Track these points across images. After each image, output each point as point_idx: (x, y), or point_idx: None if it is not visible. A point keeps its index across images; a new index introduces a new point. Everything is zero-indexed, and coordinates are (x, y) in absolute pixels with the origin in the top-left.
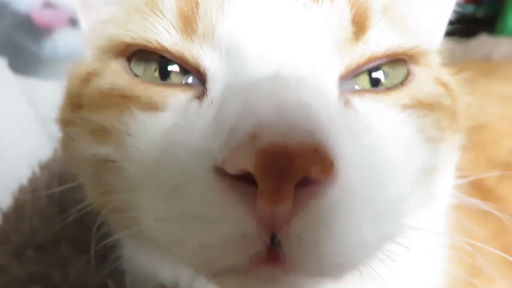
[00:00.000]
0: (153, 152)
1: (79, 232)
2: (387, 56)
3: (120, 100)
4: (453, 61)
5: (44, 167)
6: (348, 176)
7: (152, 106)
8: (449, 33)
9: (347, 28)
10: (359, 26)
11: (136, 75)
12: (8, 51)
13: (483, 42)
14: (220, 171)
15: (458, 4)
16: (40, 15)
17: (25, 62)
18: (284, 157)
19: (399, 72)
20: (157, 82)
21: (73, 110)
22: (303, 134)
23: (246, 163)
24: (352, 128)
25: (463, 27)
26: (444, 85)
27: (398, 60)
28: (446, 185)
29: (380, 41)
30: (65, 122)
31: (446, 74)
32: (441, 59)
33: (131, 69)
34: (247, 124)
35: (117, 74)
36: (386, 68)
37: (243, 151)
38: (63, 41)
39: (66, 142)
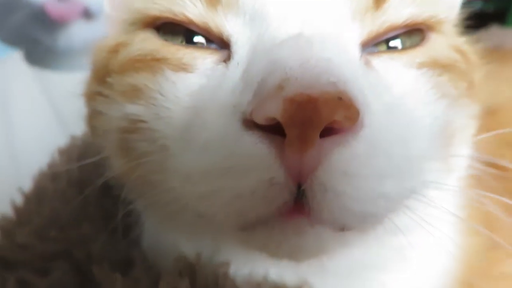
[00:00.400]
0: (182, 112)
1: (100, 212)
2: (406, 25)
3: (152, 63)
4: None
5: (63, 152)
6: (372, 130)
7: (182, 67)
8: (460, 30)
9: None
10: None
11: (165, 40)
12: (23, 43)
13: (494, 34)
14: (249, 123)
15: (466, 1)
16: (55, 8)
17: (39, 54)
18: (310, 105)
19: (415, 38)
20: (186, 45)
21: (100, 83)
22: (326, 84)
23: (274, 111)
24: (373, 86)
25: (472, 23)
26: (460, 51)
27: (416, 30)
28: (463, 153)
29: (399, 10)
30: (92, 95)
31: (463, 43)
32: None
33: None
34: (274, 77)
35: (147, 40)
36: (403, 38)
37: (271, 100)
38: (77, 34)
39: (93, 113)
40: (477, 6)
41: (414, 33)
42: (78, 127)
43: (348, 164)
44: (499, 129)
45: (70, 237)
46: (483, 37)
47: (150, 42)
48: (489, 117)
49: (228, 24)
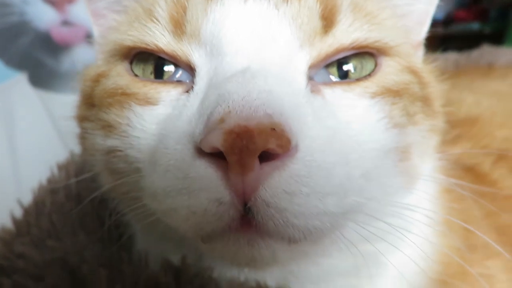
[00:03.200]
0: (150, 140)
1: (96, 223)
2: (353, 48)
3: (122, 98)
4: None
5: (61, 167)
6: (309, 152)
7: (148, 101)
8: (457, 48)
9: (316, 23)
10: (328, 20)
11: (136, 75)
12: (28, 66)
13: (485, 52)
14: (200, 151)
15: (464, 21)
16: (59, 32)
17: (43, 77)
18: (246, 135)
19: (366, 65)
20: (153, 80)
21: (87, 108)
22: (262, 116)
23: (216, 142)
24: (317, 112)
25: (470, 43)
26: (413, 72)
27: (366, 54)
28: (425, 165)
29: (347, 34)
30: (81, 118)
31: (418, 63)
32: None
33: (132, 70)
34: (218, 111)
35: (120, 75)
36: (354, 62)
37: (213, 132)
38: (80, 57)
39: (83, 135)
40: (475, 27)
41: (366, 57)
42: (77, 145)
43: (287, 183)
44: (478, 136)
45: (66, 246)
46: (475, 55)
47: (122, 77)
48: (470, 126)
49: (193, 54)
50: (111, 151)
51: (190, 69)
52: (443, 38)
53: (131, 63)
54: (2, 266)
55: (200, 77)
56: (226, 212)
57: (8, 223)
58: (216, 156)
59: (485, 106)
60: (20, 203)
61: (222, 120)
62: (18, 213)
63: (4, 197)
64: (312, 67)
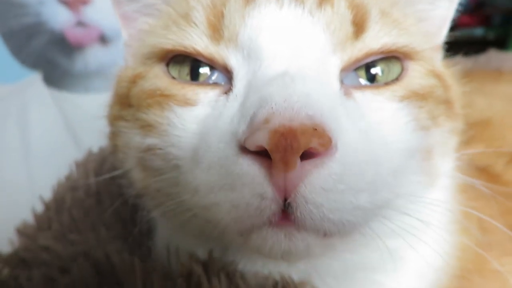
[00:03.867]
0: (191, 138)
1: (116, 219)
2: (382, 52)
3: (161, 99)
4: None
5: (79, 165)
6: (345, 152)
7: (187, 102)
8: (462, 54)
9: (348, 29)
10: (358, 26)
11: (173, 77)
12: (42, 66)
13: (492, 57)
14: (243, 149)
15: (469, 27)
16: (73, 33)
17: (57, 76)
18: (290, 135)
19: (394, 68)
20: (190, 82)
21: (123, 108)
22: (304, 117)
23: (261, 140)
24: (350, 114)
25: (474, 49)
26: (437, 76)
27: (393, 58)
28: (446, 164)
29: (376, 39)
30: (115, 118)
31: (440, 66)
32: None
33: (169, 72)
34: (262, 112)
35: (158, 77)
36: (382, 65)
37: (259, 132)
38: (93, 57)
39: (116, 133)
40: (480, 32)
41: (392, 61)
42: (90, 143)
43: (325, 181)
44: (491, 139)
45: (87, 240)
46: (482, 60)
47: (160, 79)
48: (482, 128)
49: (230, 57)
50: (149, 149)
51: (227, 72)
52: (446, 43)
53: (167, 65)
54: (27, 258)
55: (239, 79)
56: (267, 206)
57: (27, 219)
58: (259, 154)
59: (497, 109)
60: (41, 198)
61: (267, 121)
62: (39, 208)
63: (18, 194)
64: (343, 70)
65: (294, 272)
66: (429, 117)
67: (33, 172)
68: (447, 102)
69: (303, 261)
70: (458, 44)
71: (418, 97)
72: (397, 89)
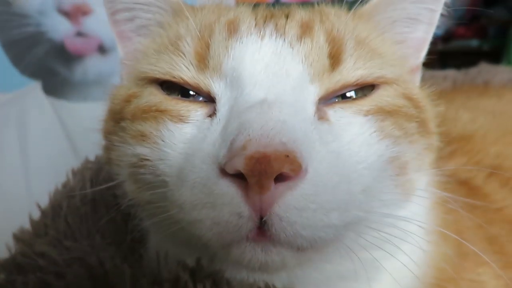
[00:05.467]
0: (178, 157)
1: (111, 227)
2: (357, 84)
3: (156, 113)
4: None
5: (76, 173)
6: (316, 174)
7: (180, 118)
8: (456, 64)
9: (325, 61)
10: (335, 59)
11: (167, 94)
12: (42, 75)
13: (483, 70)
14: (224, 171)
15: (464, 38)
16: (73, 43)
17: (57, 85)
18: (264, 161)
19: (367, 91)
20: (183, 98)
21: (116, 123)
22: (278, 144)
23: (239, 166)
24: (323, 137)
25: (469, 59)
26: (408, 98)
27: (368, 86)
28: (421, 179)
29: (352, 71)
30: (108, 132)
31: (414, 89)
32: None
33: (163, 90)
34: (240, 138)
35: (153, 94)
36: (356, 90)
37: (237, 158)
38: (92, 67)
39: (109, 147)
40: (475, 44)
41: (366, 87)
42: (88, 151)
43: (297, 201)
44: (472, 152)
45: (82, 246)
46: (472, 73)
47: (155, 96)
48: (465, 143)
49: (214, 85)
50: (139, 160)
51: (211, 98)
52: (442, 54)
53: (160, 85)
54: (23, 264)
55: (222, 105)
56: (245, 224)
57: (25, 226)
58: (237, 177)
59: (480, 123)
60: (37, 205)
61: (244, 148)
62: (35, 215)
63: (16, 200)
64: (322, 99)
65: (278, 281)
66: (397, 128)
67: (31, 178)
68: (420, 122)
69: (285, 272)
70: (454, 55)
71: (383, 112)
72: (364, 103)
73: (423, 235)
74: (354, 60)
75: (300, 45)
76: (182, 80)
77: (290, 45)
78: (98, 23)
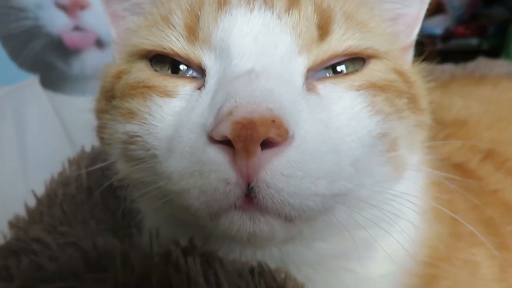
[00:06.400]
0: (167, 129)
1: (106, 213)
2: (346, 54)
3: (144, 90)
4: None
5: (72, 162)
6: (303, 141)
7: (167, 94)
8: (456, 62)
9: (313, 32)
10: (323, 29)
11: (155, 70)
12: (40, 69)
13: (481, 64)
14: (211, 139)
15: (463, 37)
16: (70, 37)
17: (54, 79)
18: (250, 126)
19: (357, 65)
20: (171, 75)
21: (107, 102)
22: (264, 110)
23: (225, 131)
24: (311, 107)
25: (469, 58)
26: (399, 73)
27: (357, 58)
28: (413, 157)
29: (340, 42)
30: (100, 111)
31: (405, 64)
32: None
33: (152, 66)
34: (227, 105)
35: (141, 70)
36: (347, 64)
37: (223, 123)
38: (89, 61)
39: (102, 126)
40: (474, 43)
41: (356, 60)
42: (84, 144)
43: (284, 167)
44: (467, 137)
45: (78, 232)
46: (470, 67)
47: (143, 72)
48: (459, 127)
49: (204, 57)
50: (130, 137)
51: (201, 70)
52: (442, 52)
53: (150, 60)
54: (18, 248)
55: (211, 76)
56: (232, 191)
57: (20, 215)
58: (225, 144)
59: (474, 109)
60: (33, 193)
61: (230, 113)
62: (31, 203)
63: (12, 194)
64: (310, 70)
65: (270, 260)
66: (388, 104)
67: (28, 172)
68: (410, 97)
69: (276, 249)
70: (454, 54)
71: (375, 87)
72: (356, 79)
73: (417, 213)
74: (343, 31)
75: (288, 17)
76: (172, 52)
77: (278, 17)
78: (96, 17)
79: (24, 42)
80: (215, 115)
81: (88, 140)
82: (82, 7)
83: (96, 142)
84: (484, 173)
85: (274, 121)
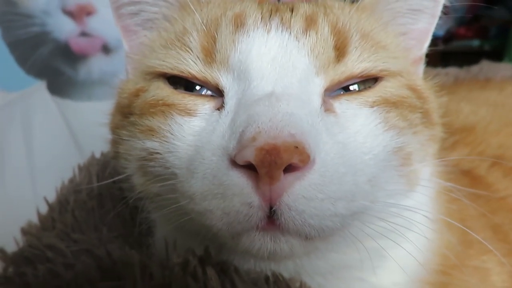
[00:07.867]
0: (187, 149)
1: (117, 220)
2: (362, 76)
3: (164, 108)
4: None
5: (82, 168)
6: (323, 165)
7: (187, 112)
8: (458, 64)
9: (330, 53)
10: (340, 51)
11: (174, 88)
12: (47, 74)
13: (485, 67)
14: (234, 163)
15: (465, 38)
16: (77, 43)
17: (61, 85)
18: (274, 152)
19: (369, 83)
20: (190, 92)
21: (124, 118)
22: (287, 136)
23: (249, 157)
24: (329, 129)
25: (470, 60)
26: (412, 89)
27: (371, 79)
28: (425, 170)
29: (357, 63)
30: (116, 126)
31: (417, 80)
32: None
33: (170, 84)
34: (250, 130)
35: (160, 88)
36: (359, 84)
37: (247, 149)
38: (96, 66)
39: (117, 141)
40: (476, 44)
41: (369, 80)
42: (92, 149)
43: (306, 190)
44: (475, 143)
45: (90, 240)
46: (474, 70)
47: (162, 90)
48: (467, 134)
49: (222, 78)
50: (149, 154)
51: (218, 91)
52: (443, 54)
53: (167, 79)
54: (32, 256)
55: (229, 97)
56: (255, 214)
57: (32, 220)
58: (247, 168)
59: (481, 115)
60: (45, 200)
61: (254, 139)
62: (42, 209)
63: (21, 199)
64: (327, 90)
65: (284, 270)
66: (402, 119)
67: (36, 177)
68: (423, 112)
69: (291, 261)
70: (455, 55)
71: (388, 103)
72: (370, 95)
73: (428, 224)
74: (359, 52)
75: (306, 38)
76: (190, 75)
77: (296, 38)
78: (102, 23)
79: (31, 48)
80: (237, 139)
81: (95, 146)
82: (89, 13)
83: (104, 148)
84: (492, 179)
85: (296, 147)
